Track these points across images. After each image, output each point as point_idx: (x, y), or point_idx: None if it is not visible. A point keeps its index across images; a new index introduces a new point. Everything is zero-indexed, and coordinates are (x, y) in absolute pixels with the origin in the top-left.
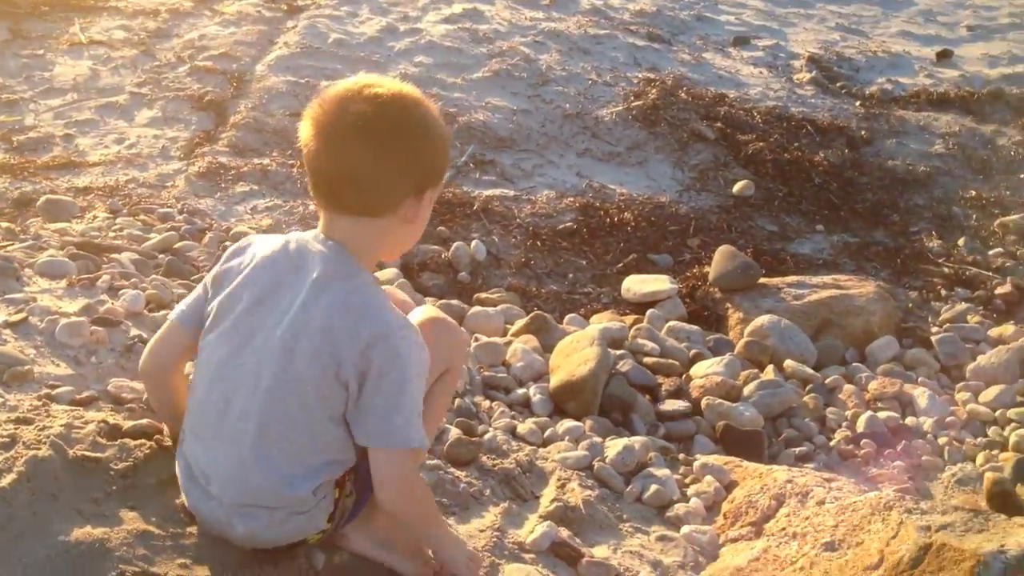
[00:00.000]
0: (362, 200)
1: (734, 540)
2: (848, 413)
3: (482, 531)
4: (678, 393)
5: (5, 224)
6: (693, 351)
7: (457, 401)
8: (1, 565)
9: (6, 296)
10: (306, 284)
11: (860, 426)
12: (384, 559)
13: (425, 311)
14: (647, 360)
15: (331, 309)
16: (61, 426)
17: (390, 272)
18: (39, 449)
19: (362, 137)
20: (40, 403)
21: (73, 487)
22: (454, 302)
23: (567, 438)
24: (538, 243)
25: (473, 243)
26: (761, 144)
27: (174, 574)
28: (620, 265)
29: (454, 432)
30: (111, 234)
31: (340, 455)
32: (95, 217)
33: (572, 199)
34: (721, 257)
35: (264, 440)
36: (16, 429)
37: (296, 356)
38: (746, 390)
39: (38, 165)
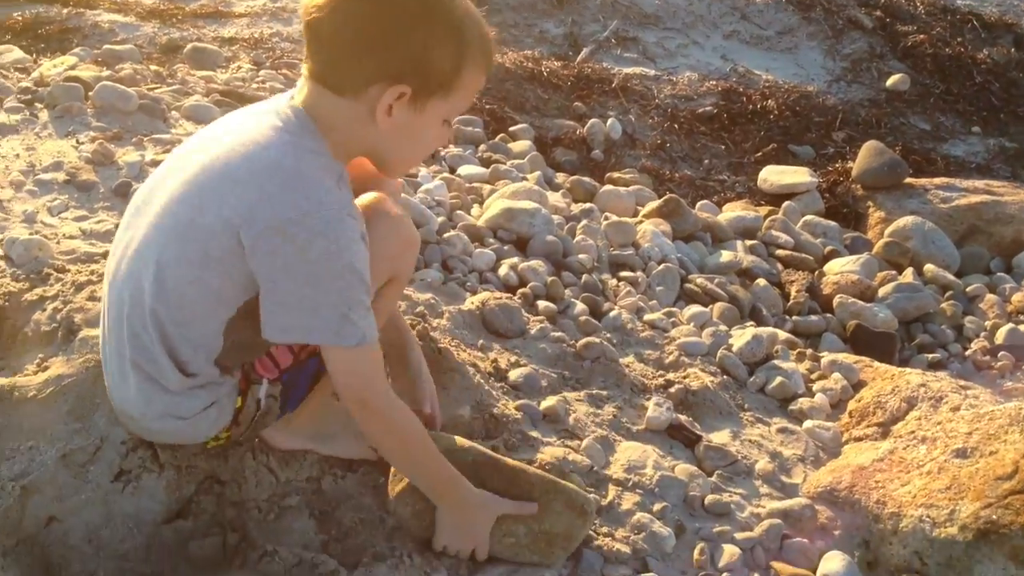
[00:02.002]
0: (320, 62)
1: (858, 439)
2: (988, 324)
3: (599, 408)
4: (810, 289)
5: (154, 67)
6: (828, 247)
7: (584, 277)
8: None
9: (154, 135)
10: (250, 135)
11: (999, 338)
12: (323, 450)
13: (367, 199)
14: (779, 253)
15: (259, 164)
16: None
17: (523, 144)
18: None
19: None
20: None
21: None
22: (585, 179)
23: (692, 324)
24: (676, 126)
25: (609, 121)
26: (921, 37)
27: None
28: (759, 154)
29: (579, 307)
30: (254, 85)
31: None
32: (239, 68)
33: (715, 83)
34: (867, 152)
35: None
36: None
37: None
38: (882, 291)
39: (186, 12)
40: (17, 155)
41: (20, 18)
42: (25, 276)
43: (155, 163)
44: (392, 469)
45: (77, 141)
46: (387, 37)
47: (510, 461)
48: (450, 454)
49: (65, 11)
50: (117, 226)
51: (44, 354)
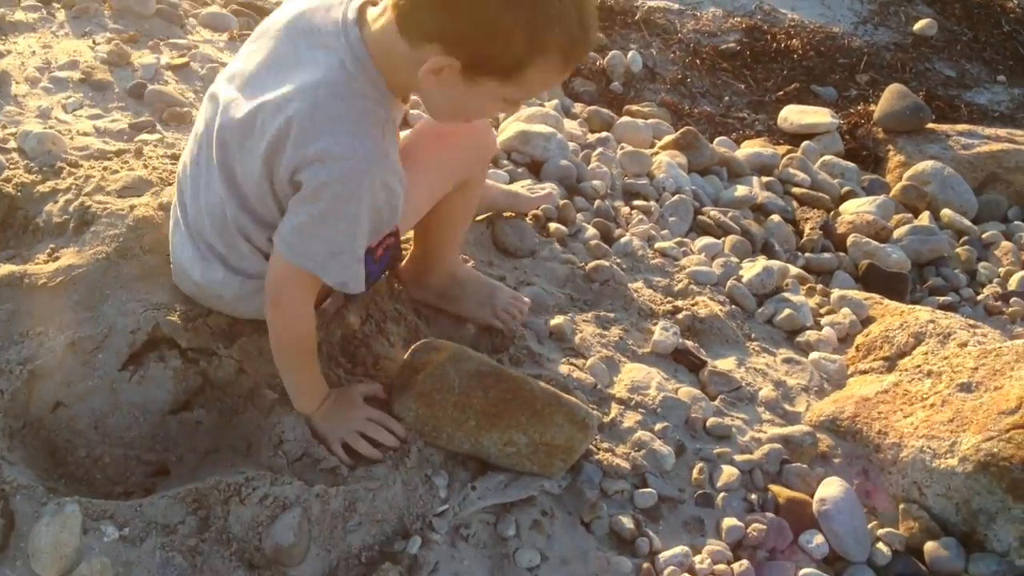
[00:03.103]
0: None
1: (863, 372)
2: (1001, 270)
3: (606, 330)
4: (824, 227)
5: None
6: (845, 188)
7: (597, 202)
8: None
9: (171, 40)
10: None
11: (1012, 283)
12: (449, 308)
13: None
14: (795, 191)
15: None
16: None
17: None
18: None
19: None
20: None
21: None
22: (603, 110)
23: (703, 254)
24: (697, 61)
25: (630, 53)
26: None
27: None
28: (780, 93)
29: (591, 231)
30: None
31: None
32: None
33: (739, 19)
34: (890, 96)
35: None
36: (172, 164)
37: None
38: (896, 233)
39: None
40: (33, 52)
41: None
42: (38, 168)
43: (170, 67)
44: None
45: (93, 41)
46: (463, 4)
47: (513, 372)
48: (454, 361)
49: None
50: (130, 126)
51: (55, 244)
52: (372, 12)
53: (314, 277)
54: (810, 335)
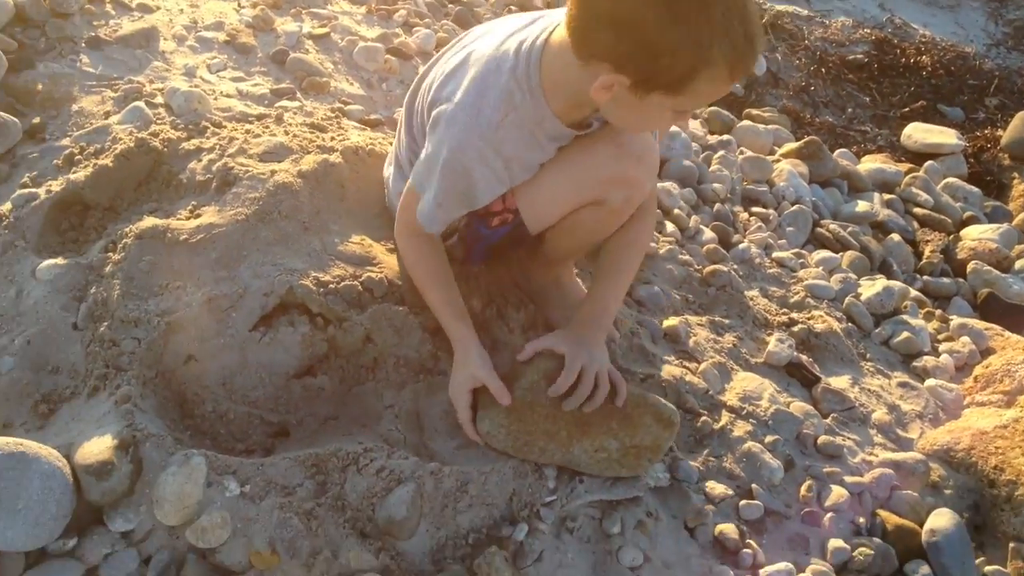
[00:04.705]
0: (572, 15)
1: (981, 404)
2: None
3: (720, 335)
4: (944, 251)
5: None
6: (967, 213)
7: (716, 206)
8: (287, 249)
9: (312, 9)
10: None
11: None
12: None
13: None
14: (916, 211)
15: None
16: (352, 140)
17: None
18: (330, 154)
19: None
20: (334, 115)
21: (356, 191)
22: (724, 112)
23: (821, 268)
24: (823, 70)
25: None
26: None
27: None
28: (906, 109)
29: (708, 235)
30: None
31: None
32: None
33: (869, 31)
34: (1020, 122)
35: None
36: (311, 133)
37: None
38: (1018, 264)
39: None
40: (181, 10)
41: None
42: (184, 126)
43: (311, 36)
44: None
45: (239, 4)
46: (630, 23)
47: None
48: (545, 373)
49: None
50: (272, 91)
51: (197, 202)
52: (556, 34)
53: (419, 197)
54: (927, 361)
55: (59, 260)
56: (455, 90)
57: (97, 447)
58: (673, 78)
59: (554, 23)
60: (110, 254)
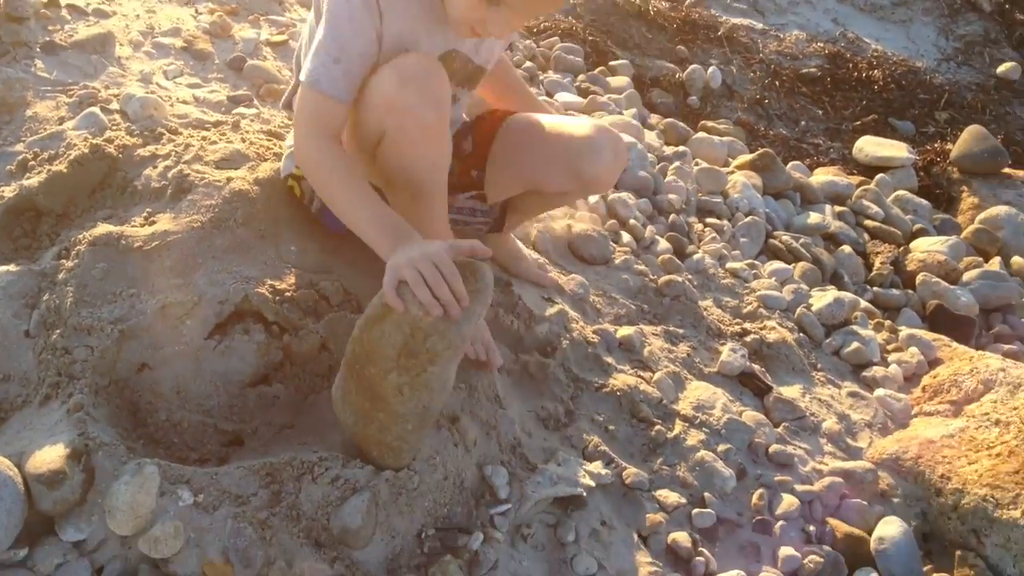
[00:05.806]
0: None
1: (929, 414)
2: None
3: (674, 345)
4: (894, 263)
5: None
6: (917, 225)
7: (672, 217)
8: (243, 257)
9: (269, 16)
10: None
11: None
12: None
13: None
14: (867, 223)
15: None
16: None
17: (621, 80)
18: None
19: None
20: (291, 122)
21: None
22: (680, 124)
23: (774, 278)
24: (777, 83)
25: (710, 69)
26: None
27: None
28: (858, 123)
29: (663, 245)
30: None
31: None
32: None
33: (822, 44)
34: (969, 136)
35: None
36: (268, 141)
37: None
38: (966, 276)
39: None
40: (138, 16)
41: None
42: (139, 132)
43: (269, 43)
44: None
45: (196, 11)
46: None
47: None
48: None
49: None
50: (229, 98)
51: (152, 209)
52: None
53: (306, 87)
54: (876, 371)
55: (11, 267)
56: None
57: (49, 456)
58: None
59: None
60: (63, 261)
